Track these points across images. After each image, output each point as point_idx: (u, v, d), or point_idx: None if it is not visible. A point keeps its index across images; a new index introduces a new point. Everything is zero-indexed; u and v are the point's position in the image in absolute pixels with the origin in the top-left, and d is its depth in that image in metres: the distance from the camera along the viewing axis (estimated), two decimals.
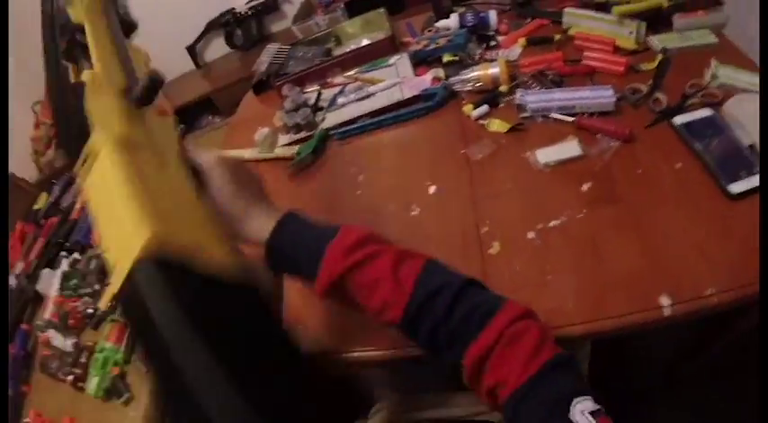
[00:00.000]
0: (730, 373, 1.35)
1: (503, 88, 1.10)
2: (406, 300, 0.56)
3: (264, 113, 1.43)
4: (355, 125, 1.20)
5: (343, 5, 1.88)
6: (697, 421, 1.37)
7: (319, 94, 1.36)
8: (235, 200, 0.64)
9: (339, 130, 1.23)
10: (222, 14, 2.48)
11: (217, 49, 2.60)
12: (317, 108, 1.32)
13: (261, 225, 0.63)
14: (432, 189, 1.00)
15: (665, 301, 0.72)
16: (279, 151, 1.26)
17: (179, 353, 0.45)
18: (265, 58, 1.60)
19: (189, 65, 2.62)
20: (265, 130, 1.32)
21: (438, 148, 1.09)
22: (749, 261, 0.73)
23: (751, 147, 0.88)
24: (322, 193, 1.13)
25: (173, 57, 2.51)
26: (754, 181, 0.83)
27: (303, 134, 1.27)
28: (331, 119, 1.27)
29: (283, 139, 1.30)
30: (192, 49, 2.58)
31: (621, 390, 1.41)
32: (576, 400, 0.47)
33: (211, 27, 2.51)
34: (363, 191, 1.07)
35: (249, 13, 2.39)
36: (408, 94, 1.19)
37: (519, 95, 1.04)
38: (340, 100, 1.30)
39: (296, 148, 1.22)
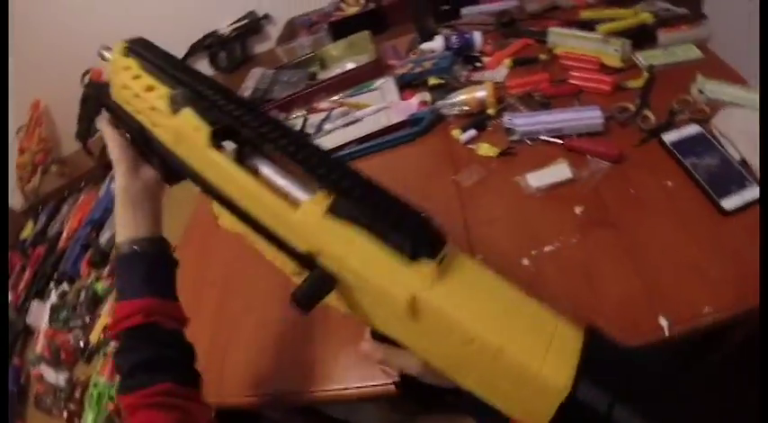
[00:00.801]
0: (727, 383, 1.34)
1: (490, 111, 1.09)
2: None
3: None
4: (342, 152, 1.19)
5: (326, 27, 1.87)
6: None
7: (305, 119, 1.35)
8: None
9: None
10: (205, 37, 2.46)
11: (201, 71, 2.58)
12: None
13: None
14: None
15: (663, 322, 0.71)
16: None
17: None
18: (250, 83, 1.59)
19: None
20: None
21: (427, 174, 1.08)
22: (744, 276, 0.73)
23: (741, 161, 0.88)
24: None
25: None
26: (746, 196, 0.83)
27: None
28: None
29: None
30: None
31: None
32: None
33: (195, 50, 2.49)
34: None
35: (232, 35, 2.37)
36: (395, 120, 1.18)
37: (507, 119, 1.04)
38: (326, 126, 1.29)
39: None
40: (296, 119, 1.38)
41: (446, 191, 1.02)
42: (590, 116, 0.98)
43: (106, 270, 1.39)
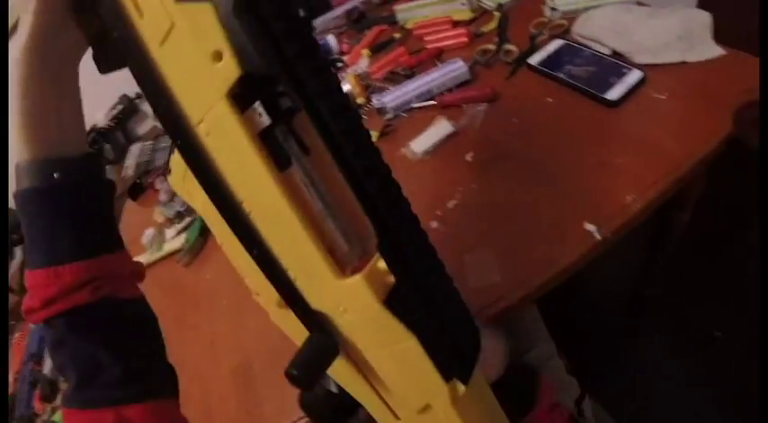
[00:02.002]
0: (696, 293, 1.30)
1: (360, 101, 1.04)
2: None
3: (147, 215, 1.33)
4: None
5: None
6: (676, 340, 1.31)
7: None
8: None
9: None
10: (86, 135, 2.38)
11: None
12: None
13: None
14: None
15: (590, 227, 0.67)
16: (168, 246, 1.15)
17: None
18: (130, 161, 1.52)
19: None
20: (151, 231, 1.22)
21: None
22: (653, 154, 0.71)
23: (613, 54, 0.86)
24: (223, 272, 1.02)
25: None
26: (628, 81, 0.80)
27: (188, 220, 1.17)
28: None
29: (171, 232, 1.19)
30: None
31: (591, 332, 1.37)
32: None
33: None
34: None
35: (112, 124, 2.28)
36: None
37: (375, 100, 0.98)
38: None
39: (183, 236, 1.12)
40: None
41: None
42: (453, 68, 0.94)
43: (58, 399, 1.32)
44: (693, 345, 1.26)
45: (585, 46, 0.89)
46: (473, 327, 0.37)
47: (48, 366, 1.42)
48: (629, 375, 1.28)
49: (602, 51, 0.86)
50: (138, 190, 1.43)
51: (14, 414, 1.42)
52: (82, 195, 0.44)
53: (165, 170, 1.33)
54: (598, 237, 0.65)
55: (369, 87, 1.07)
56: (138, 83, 0.33)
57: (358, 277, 0.31)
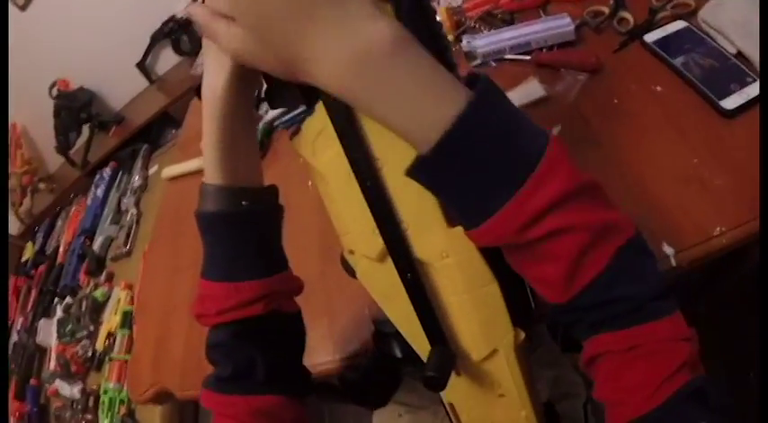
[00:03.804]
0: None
1: (449, 38, 0.97)
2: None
3: None
4: (296, 111, 1.07)
5: None
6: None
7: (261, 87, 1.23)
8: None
9: (282, 120, 1.12)
10: (164, 24, 2.35)
11: (167, 60, 2.48)
12: (258, 101, 1.19)
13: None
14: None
15: (668, 250, 0.61)
16: None
17: None
18: (202, 58, 1.47)
19: (143, 82, 2.50)
20: None
21: None
22: (753, 190, 0.62)
23: (737, 55, 0.76)
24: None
25: (126, 77, 2.40)
26: (748, 92, 0.71)
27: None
28: (274, 110, 1.14)
29: None
30: (141, 66, 2.45)
31: None
32: None
33: (156, 39, 2.39)
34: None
35: None
36: None
37: (466, 42, 0.91)
38: None
39: None
40: None
41: None
42: (558, 25, 0.86)
43: (103, 276, 1.43)
44: None
45: (710, 36, 0.79)
46: (528, 288, 0.44)
47: (98, 243, 1.52)
48: None
49: (727, 48, 0.77)
50: None
51: (60, 283, 1.54)
52: (264, 222, 0.50)
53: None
54: (673, 263, 0.60)
55: (461, 25, 0.99)
56: None
57: (459, 229, 0.39)
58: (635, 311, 0.38)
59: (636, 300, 0.38)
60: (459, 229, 0.39)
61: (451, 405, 0.51)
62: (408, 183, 0.37)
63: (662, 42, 0.80)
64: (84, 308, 1.35)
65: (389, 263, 0.42)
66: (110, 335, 1.23)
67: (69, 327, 1.34)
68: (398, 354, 0.51)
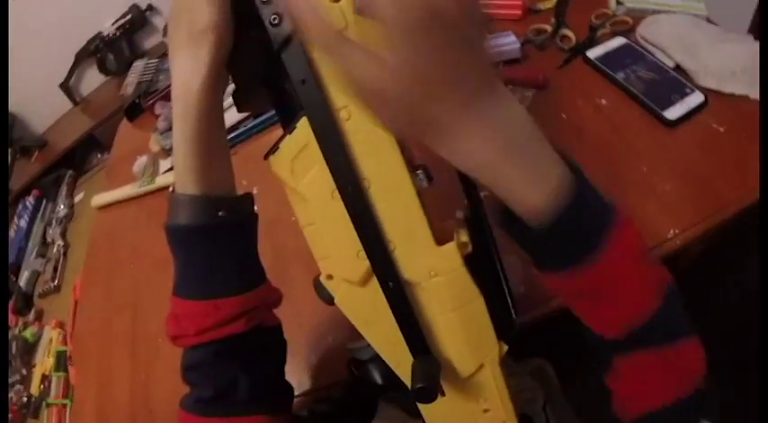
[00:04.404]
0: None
1: None
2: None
3: (142, 140, 1.24)
4: (238, 131, 1.03)
5: None
6: None
7: None
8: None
9: (229, 137, 1.06)
10: (90, 42, 2.24)
11: (92, 80, 2.35)
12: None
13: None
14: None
15: None
16: (161, 180, 1.08)
17: None
18: (132, 78, 1.41)
19: (67, 104, 2.37)
20: (144, 159, 1.14)
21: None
22: (701, 189, 0.66)
23: (676, 67, 0.79)
24: None
25: (48, 98, 2.25)
26: (689, 103, 0.74)
27: None
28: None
29: (165, 164, 1.12)
30: (65, 86, 2.32)
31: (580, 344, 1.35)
32: None
33: (81, 57, 2.27)
34: (259, 204, 0.90)
35: (117, 34, 2.16)
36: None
37: None
38: None
39: None
40: None
41: None
42: (504, 42, 0.87)
43: (31, 314, 1.33)
44: None
45: (648, 51, 0.82)
46: (510, 297, 0.43)
47: (24, 278, 1.41)
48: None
49: (665, 62, 0.80)
50: (136, 110, 1.34)
51: None
52: (242, 233, 0.47)
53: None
54: None
55: None
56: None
57: (452, 244, 0.38)
58: (670, 336, 0.40)
59: (674, 330, 0.40)
60: (448, 246, 0.39)
61: None
62: (395, 201, 0.37)
63: (604, 58, 0.82)
64: (14, 350, 1.25)
65: (372, 286, 0.41)
66: (44, 378, 1.15)
67: None
68: (379, 380, 0.50)
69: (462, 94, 0.32)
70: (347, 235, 0.38)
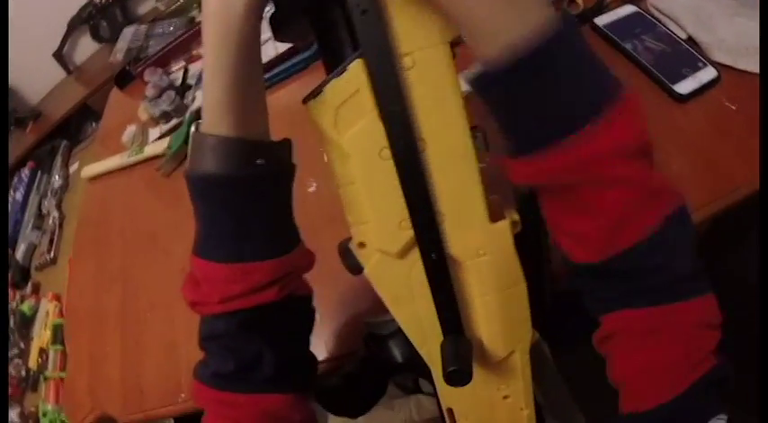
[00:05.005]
0: None
1: None
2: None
3: (132, 109, 1.21)
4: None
5: None
6: None
7: (186, 70, 1.15)
8: None
9: None
10: (82, 9, 2.18)
11: (85, 48, 2.30)
12: (184, 88, 1.10)
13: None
14: (312, 187, 0.84)
15: None
16: (149, 149, 1.05)
17: None
18: (121, 45, 1.38)
19: (61, 73, 2.33)
20: (132, 129, 1.11)
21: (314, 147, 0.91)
22: (710, 172, 0.63)
23: (688, 40, 0.75)
24: None
25: (42, 68, 2.21)
26: (701, 77, 0.70)
27: (175, 122, 1.06)
28: (201, 97, 1.06)
29: (154, 133, 1.09)
30: (58, 55, 2.27)
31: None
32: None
33: (74, 25, 2.22)
34: None
35: (110, 0, 2.10)
36: (282, 49, 0.99)
37: None
38: None
39: (167, 140, 1.01)
40: (177, 72, 1.17)
41: None
42: None
43: (29, 287, 1.31)
44: None
45: (660, 21, 0.78)
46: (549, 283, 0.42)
47: (21, 251, 1.39)
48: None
49: (678, 33, 0.76)
50: (126, 78, 1.30)
51: None
52: (279, 185, 0.41)
53: (156, 61, 1.19)
54: None
55: None
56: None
57: (506, 222, 0.36)
58: (666, 287, 0.35)
59: (673, 273, 0.35)
60: (502, 224, 0.36)
61: (450, 410, 0.47)
62: (452, 170, 0.34)
63: (613, 26, 0.79)
64: (12, 324, 1.24)
65: (410, 259, 0.37)
66: (42, 352, 1.14)
67: None
68: (399, 358, 0.47)
69: None
70: (392, 200, 0.35)
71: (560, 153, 0.32)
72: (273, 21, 0.38)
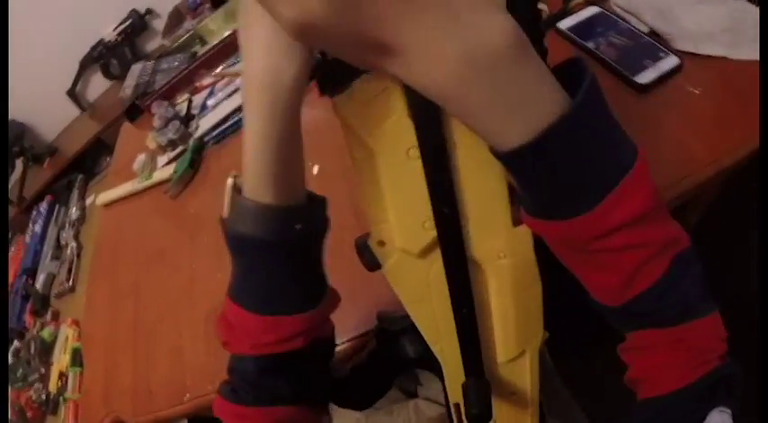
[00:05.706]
0: None
1: None
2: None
3: (142, 139, 1.28)
4: (228, 123, 1.07)
5: (209, 5, 1.71)
6: None
7: (190, 101, 1.22)
8: None
9: (213, 134, 1.10)
10: (93, 49, 2.28)
11: (97, 85, 2.40)
12: (188, 118, 1.17)
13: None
14: (315, 169, 0.89)
15: None
16: (158, 175, 1.12)
17: None
18: (130, 81, 1.45)
19: (74, 110, 2.42)
20: (142, 157, 1.18)
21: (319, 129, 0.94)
22: (675, 155, 0.66)
23: (650, 33, 0.79)
24: (208, 207, 0.99)
25: (56, 106, 2.31)
26: (662, 67, 0.74)
27: (180, 149, 1.12)
28: (204, 124, 1.13)
29: (162, 160, 1.15)
30: (72, 93, 2.37)
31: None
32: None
33: (85, 64, 2.32)
34: None
35: (119, 39, 2.20)
36: None
37: None
38: (210, 102, 1.16)
39: (173, 166, 1.08)
40: (181, 104, 1.24)
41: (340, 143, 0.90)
42: None
43: (48, 314, 1.36)
44: None
45: (623, 18, 0.82)
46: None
47: (40, 281, 1.45)
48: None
49: (639, 28, 0.80)
50: (135, 111, 1.37)
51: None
52: (315, 244, 0.41)
53: (162, 93, 1.26)
54: None
55: None
56: None
57: (523, 228, 0.36)
58: (684, 312, 0.37)
59: (687, 301, 0.36)
60: (523, 228, 0.36)
61: (457, 405, 0.47)
62: (480, 173, 0.33)
63: (576, 28, 0.83)
64: (32, 350, 1.29)
65: (430, 260, 0.37)
66: (61, 375, 1.18)
67: (20, 371, 1.28)
68: (411, 354, 0.47)
69: None
70: (417, 200, 0.34)
71: (576, 223, 0.32)
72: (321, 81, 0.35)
